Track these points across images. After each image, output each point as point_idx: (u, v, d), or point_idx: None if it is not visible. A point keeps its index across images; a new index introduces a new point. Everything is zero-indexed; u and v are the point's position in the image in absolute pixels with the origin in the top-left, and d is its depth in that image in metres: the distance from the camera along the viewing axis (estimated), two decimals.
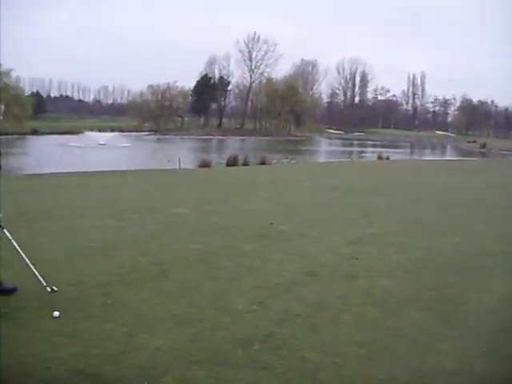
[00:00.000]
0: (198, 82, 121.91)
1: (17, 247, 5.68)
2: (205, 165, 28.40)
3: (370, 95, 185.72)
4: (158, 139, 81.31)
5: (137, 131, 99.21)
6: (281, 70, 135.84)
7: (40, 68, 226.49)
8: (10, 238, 5.65)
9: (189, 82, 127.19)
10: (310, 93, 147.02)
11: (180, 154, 38.35)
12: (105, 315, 5.27)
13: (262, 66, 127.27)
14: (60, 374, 4.04)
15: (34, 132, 77.14)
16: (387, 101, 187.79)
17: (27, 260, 5.69)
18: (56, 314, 5.17)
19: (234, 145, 70.20)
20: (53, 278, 6.12)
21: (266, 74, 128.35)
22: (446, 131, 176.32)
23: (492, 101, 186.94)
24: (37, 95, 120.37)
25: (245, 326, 5.12)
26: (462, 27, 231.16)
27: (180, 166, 27.80)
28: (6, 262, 5.97)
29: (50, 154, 44.55)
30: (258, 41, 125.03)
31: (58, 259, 7.26)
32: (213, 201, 13.37)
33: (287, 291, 6.18)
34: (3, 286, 5.76)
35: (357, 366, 4.40)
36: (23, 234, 8.35)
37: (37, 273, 5.69)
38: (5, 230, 5.65)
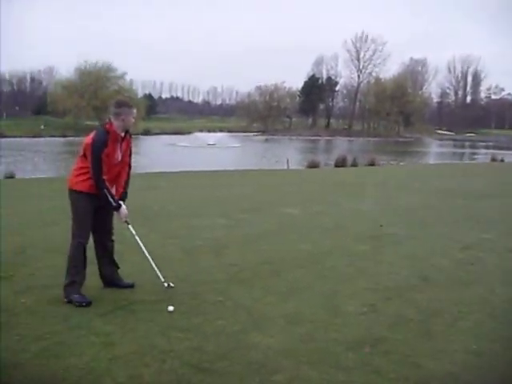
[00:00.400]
0: (306, 83, 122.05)
1: (139, 242, 5.88)
2: (313, 165, 28.37)
3: (482, 94, 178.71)
4: (266, 140, 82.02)
5: (245, 132, 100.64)
6: (389, 70, 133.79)
7: (151, 71, 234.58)
8: (134, 233, 5.86)
9: (296, 82, 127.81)
10: (420, 93, 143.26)
11: (288, 154, 38.54)
12: (217, 312, 5.37)
13: (370, 66, 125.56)
14: (175, 367, 4.15)
15: (146, 132, 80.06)
16: (501, 100, 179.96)
17: (148, 256, 5.87)
18: (171, 308, 5.32)
19: (341, 145, 69.70)
20: (167, 274, 6.32)
21: (374, 74, 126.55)
22: None
23: None
24: (149, 97, 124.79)
25: (356, 328, 5.05)
26: None
27: (288, 166, 27.94)
28: (127, 257, 6.23)
29: (161, 153, 46.09)
30: (365, 40, 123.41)
31: (173, 256, 7.48)
32: (322, 201, 13.34)
33: (399, 295, 6.04)
34: (124, 284, 6.02)
35: (474, 377, 4.23)
36: (142, 231, 8.74)
37: (156, 269, 5.87)
38: (130, 226, 5.86)
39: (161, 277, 5.84)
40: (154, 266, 5.86)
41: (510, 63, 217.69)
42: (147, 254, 5.88)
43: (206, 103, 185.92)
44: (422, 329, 5.11)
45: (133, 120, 5.65)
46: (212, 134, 72.01)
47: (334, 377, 4.07)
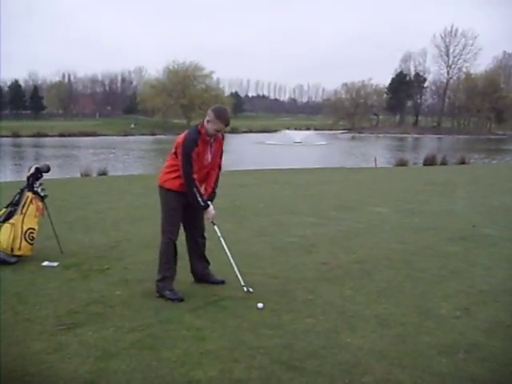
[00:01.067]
0: (393, 80, 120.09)
1: (224, 244, 5.92)
2: (401, 163, 27.92)
3: None
4: (353, 137, 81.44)
5: (331, 129, 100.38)
6: (480, 65, 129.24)
7: (238, 70, 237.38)
8: (219, 234, 5.91)
9: (384, 79, 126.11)
10: None
11: (375, 152, 38.14)
12: (307, 310, 5.34)
13: (459, 61, 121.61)
14: (264, 364, 4.16)
15: (234, 130, 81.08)
16: None
17: (231, 259, 5.89)
18: (260, 305, 5.35)
19: (430, 143, 68.05)
20: (257, 271, 6.37)
21: (464, 70, 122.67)
22: None
23: None
24: (235, 95, 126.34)
25: (448, 332, 4.88)
26: None
27: (376, 164, 27.60)
28: (217, 254, 6.32)
29: (248, 151, 46.58)
30: (455, 34, 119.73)
31: (263, 254, 7.53)
32: (412, 200, 13.06)
33: (495, 299, 5.79)
34: (214, 280, 6.11)
35: None
36: (231, 229, 8.87)
37: (237, 272, 5.88)
38: (215, 227, 5.92)
39: (241, 280, 5.85)
40: (235, 268, 5.89)
41: None
42: (230, 257, 5.90)
43: (293, 101, 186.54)
44: None
45: (219, 134, 5.68)
46: (299, 131, 72.04)
47: (426, 381, 3.96)
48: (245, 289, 5.81)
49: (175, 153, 5.61)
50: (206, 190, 5.74)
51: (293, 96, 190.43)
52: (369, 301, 5.66)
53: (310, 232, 9.07)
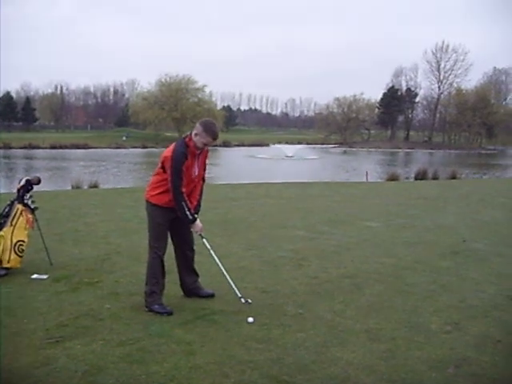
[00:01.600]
0: (385, 94, 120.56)
1: (214, 257, 5.91)
2: (393, 178, 27.96)
3: None
4: (345, 152, 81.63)
5: (323, 144, 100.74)
6: (471, 80, 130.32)
7: (231, 83, 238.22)
8: (209, 248, 5.89)
9: (375, 94, 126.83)
10: (503, 103, 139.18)
11: (367, 166, 38.21)
12: (297, 324, 5.33)
13: (450, 77, 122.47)
14: (254, 379, 4.15)
15: (225, 144, 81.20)
16: None
17: (224, 271, 5.87)
18: (250, 319, 5.33)
19: (421, 158, 68.34)
20: (248, 285, 6.36)
21: (455, 85, 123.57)
22: None
23: None
24: (228, 109, 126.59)
25: (439, 347, 4.88)
26: None
27: (367, 178, 27.66)
28: (207, 267, 6.30)
29: (240, 165, 46.56)
30: (446, 50, 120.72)
31: (254, 267, 7.53)
32: (403, 215, 13.08)
33: (485, 314, 5.81)
34: (204, 293, 6.09)
35: None
36: (222, 242, 8.86)
37: (233, 284, 5.87)
38: (204, 240, 5.91)
39: (238, 292, 5.83)
40: (230, 281, 5.87)
41: None
42: (223, 270, 5.89)
43: (285, 115, 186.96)
44: None
45: (206, 147, 5.68)
46: (290, 145, 72.16)
47: None
48: (242, 300, 5.79)
49: (162, 167, 5.59)
50: (191, 202, 5.69)
51: (285, 110, 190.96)
52: (359, 315, 5.65)
53: (300, 246, 9.06)
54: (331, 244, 9.27)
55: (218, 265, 5.89)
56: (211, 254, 5.89)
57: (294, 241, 9.49)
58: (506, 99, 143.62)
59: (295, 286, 6.66)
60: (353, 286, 6.73)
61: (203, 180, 5.99)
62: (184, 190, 5.49)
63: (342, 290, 6.52)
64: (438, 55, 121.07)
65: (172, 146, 5.58)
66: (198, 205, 5.92)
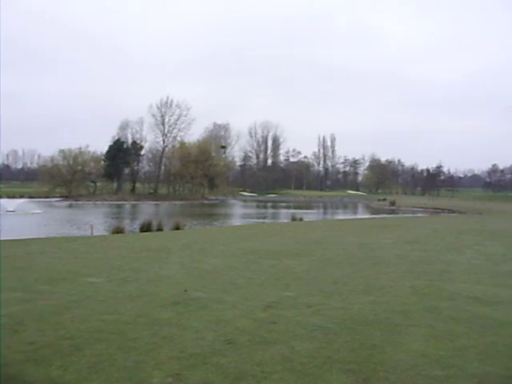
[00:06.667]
0: (111, 147, 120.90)
1: None
2: (118, 231, 27.89)
3: (282, 157, 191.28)
4: (70, 205, 79.56)
5: (47, 197, 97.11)
6: (194, 134, 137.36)
7: None
8: None
9: (101, 146, 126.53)
10: (223, 156, 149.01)
11: (93, 220, 37.62)
12: None
13: (174, 131, 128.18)
14: None
15: None
16: (299, 162, 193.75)
17: None
18: None
19: (148, 210, 69.50)
20: None
21: (179, 138, 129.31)
22: (357, 190, 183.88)
23: (399, 160, 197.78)
24: None
25: None
26: (368, 90, 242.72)
27: (92, 232, 27.21)
28: None
29: None
30: (170, 105, 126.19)
31: None
32: (126, 268, 13.02)
33: (205, 361, 6.00)
34: None
35: None
36: None
37: None
38: None
39: None
40: None
41: (303, 129, 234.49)
42: None
43: (6, 167, 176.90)
44: None
45: None
46: (12, 200, 68.16)
47: None
48: None
49: None
50: None
51: (6, 162, 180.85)
52: (79, 379, 5.43)
53: (15, 309, 8.46)
54: (51, 304, 8.81)
55: None
56: None
57: (8, 304, 8.82)
58: (225, 152, 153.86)
59: (7, 354, 6.17)
60: (72, 347, 6.45)
61: None
62: None
63: (61, 354, 6.21)
64: (163, 109, 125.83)
65: None
66: None
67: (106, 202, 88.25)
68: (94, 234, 26.99)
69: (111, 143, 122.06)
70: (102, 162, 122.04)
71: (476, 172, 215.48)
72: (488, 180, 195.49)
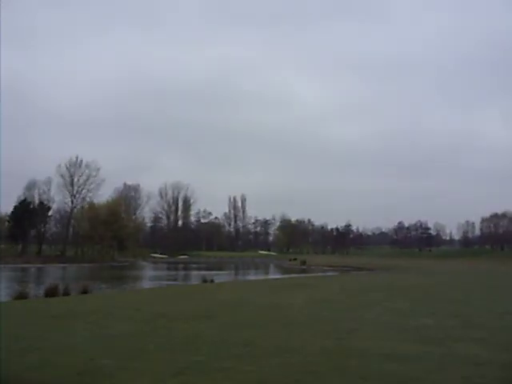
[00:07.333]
0: (16, 208, 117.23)
1: None
2: (21, 296, 26.62)
3: (192, 218, 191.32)
4: None
5: None
6: (103, 195, 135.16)
7: None
8: None
9: (6, 207, 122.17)
10: (133, 217, 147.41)
11: None
12: None
13: (83, 191, 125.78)
14: None
15: None
16: (210, 223, 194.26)
17: None
18: None
19: (54, 273, 67.25)
20: None
21: (88, 199, 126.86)
22: (269, 250, 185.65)
23: (309, 219, 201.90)
24: None
25: None
26: (275, 148, 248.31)
27: None
28: None
29: None
30: (80, 165, 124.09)
31: None
32: (29, 336, 12.36)
33: None
34: None
35: None
36: None
37: None
38: None
39: None
40: None
41: (214, 190, 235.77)
42: None
43: None
44: None
45: None
46: None
47: None
48: None
49: None
50: None
51: None
52: None
53: None
54: None
55: None
56: None
57: None
58: (135, 213, 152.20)
59: None
60: None
61: None
62: None
63: None
64: (72, 170, 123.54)
65: None
66: None
67: (10, 265, 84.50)
68: None
69: (17, 204, 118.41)
70: (7, 224, 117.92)
71: (383, 230, 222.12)
72: (395, 237, 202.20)
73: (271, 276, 67.13)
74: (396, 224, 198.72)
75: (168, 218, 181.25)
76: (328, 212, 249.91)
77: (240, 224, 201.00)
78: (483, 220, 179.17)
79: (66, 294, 28.57)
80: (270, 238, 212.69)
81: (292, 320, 15.17)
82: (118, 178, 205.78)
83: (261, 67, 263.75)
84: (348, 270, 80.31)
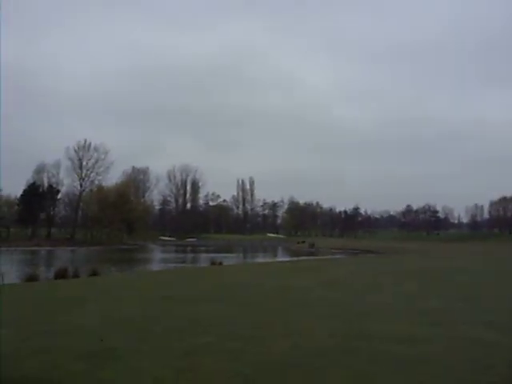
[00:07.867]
0: (25, 191, 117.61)
1: None
2: (32, 279, 26.85)
3: (201, 201, 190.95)
4: None
5: None
6: (112, 178, 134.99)
7: None
8: None
9: (15, 190, 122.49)
10: (142, 200, 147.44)
11: (4, 267, 36.13)
12: None
13: (92, 174, 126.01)
14: None
15: None
16: (218, 206, 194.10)
17: None
18: None
19: (64, 256, 67.57)
20: None
21: (96, 182, 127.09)
22: (277, 233, 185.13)
23: (317, 202, 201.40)
24: None
25: None
26: (283, 131, 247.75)
27: (2, 281, 26.07)
28: None
29: None
30: (88, 149, 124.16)
31: None
32: (38, 320, 12.41)
33: None
34: None
35: None
36: None
37: None
38: None
39: None
40: None
41: (222, 172, 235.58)
42: None
43: None
44: None
45: None
46: None
47: None
48: None
49: None
50: None
51: None
52: None
53: None
54: None
55: None
56: None
57: None
58: (144, 196, 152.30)
59: None
60: None
61: None
62: None
63: None
64: (81, 153, 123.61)
65: None
66: None
67: (20, 248, 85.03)
68: (6, 283, 25.89)
69: (26, 187, 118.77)
70: (16, 207, 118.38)
71: (392, 213, 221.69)
72: (403, 220, 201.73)
73: (280, 258, 67.21)
74: (404, 207, 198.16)
75: (176, 200, 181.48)
76: (336, 195, 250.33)
77: (248, 207, 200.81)
78: (492, 203, 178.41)
79: (76, 276, 28.76)
80: (279, 221, 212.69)
81: (301, 302, 15.22)
82: (127, 161, 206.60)
83: (271, 53, 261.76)
84: (356, 252, 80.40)
